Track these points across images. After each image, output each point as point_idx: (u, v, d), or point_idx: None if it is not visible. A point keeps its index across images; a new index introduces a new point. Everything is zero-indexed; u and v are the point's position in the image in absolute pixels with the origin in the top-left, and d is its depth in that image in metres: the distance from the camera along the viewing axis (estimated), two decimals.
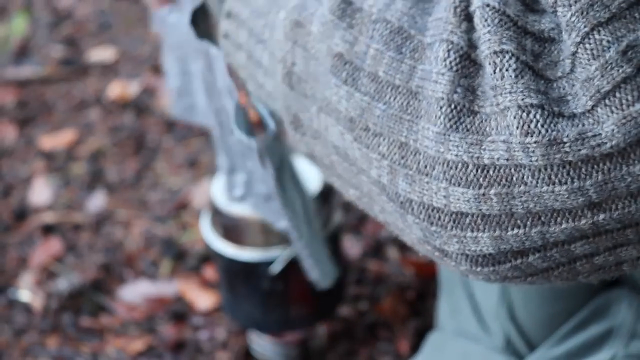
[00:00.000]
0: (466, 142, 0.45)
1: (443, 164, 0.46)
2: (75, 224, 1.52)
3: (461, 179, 0.45)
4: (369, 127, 0.49)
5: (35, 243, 1.47)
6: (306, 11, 0.53)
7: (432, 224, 0.48)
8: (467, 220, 0.46)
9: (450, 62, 0.46)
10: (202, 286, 1.34)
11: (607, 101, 0.41)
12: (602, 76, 0.41)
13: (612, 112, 0.41)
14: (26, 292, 1.37)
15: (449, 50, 0.46)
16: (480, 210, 0.45)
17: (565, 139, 0.42)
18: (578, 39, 0.42)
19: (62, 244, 1.46)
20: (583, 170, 0.42)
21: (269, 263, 1.05)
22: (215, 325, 1.28)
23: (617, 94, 0.41)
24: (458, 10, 0.46)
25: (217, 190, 1.08)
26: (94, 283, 1.37)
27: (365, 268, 1.35)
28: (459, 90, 0.45)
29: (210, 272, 1.36)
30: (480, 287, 0.91)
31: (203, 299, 1.32)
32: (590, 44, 0.41)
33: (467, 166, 0.45)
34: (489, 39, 0.44)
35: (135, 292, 1.36)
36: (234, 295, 1.12)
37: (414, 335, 1.22)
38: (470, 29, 0.46)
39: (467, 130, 0.45)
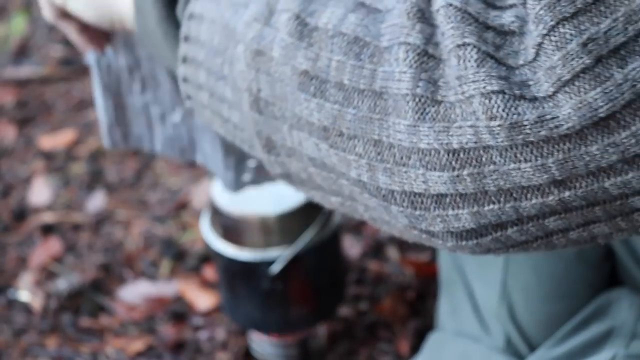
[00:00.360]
0: (434, 130, 0.49)
1: (417, 152, 0.50)
2: (75, 224, 1.52)
3: (436, 164, 0.50)
4: (343, 132, 0.53)
5: (35, 243, 1.47)
6: (264, 40, 0.57)
7: (415, 208, 0.52)
8: (447, 200, 0.50)
9: (410, 61, 0.50)
10: (202, 286, 1.34)
11: (566, 88, 0.45)
12: (564, 66, 0.45)
13: (570, 98, 0.45)
14: (26, 292, 1.37)
15: (407, 51, 0.50)
16: (457, 190, 0.50)
17: (525, 122, 0.46)
18: (544, 32, 0.45)
19: (62, 244, 1.46)
20: (545, 149, 0.46)
21: (269, 263, 1.05)
22: (215, 325, 1.28)
23: (576, 82, 0.44)
24: (411, 14, 0.51)
25: (217, 190, 1.08)
26: (93, 283, 1.37)
27: (365, 268, 1.34)
28: (420, 84, 0.49)
29: (210, 272, 1.36)
30: (481, 288, 0.91)
31: (203, 299, 1.32)
32: (555, 36, 0.45)
33: (439, 152, 0.49)
34: (452, 34, 0.49)
35: (135, 292, 1.35)
36: (233, 295, 1.11)
37: (414, 336, 1.22)
38: (424, 29, 0.50)
39: (434, 119, 0.49)
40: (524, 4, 0.47)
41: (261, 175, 0.91)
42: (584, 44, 0.44)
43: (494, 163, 0.48)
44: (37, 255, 1.44)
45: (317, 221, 1.06)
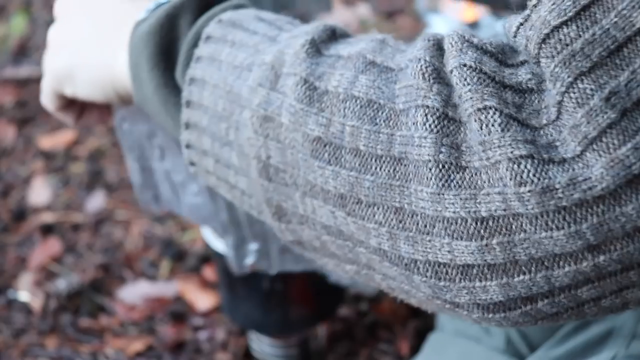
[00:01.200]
0: (461, 198, 0.47)
1: (442, 221, 0.48)
2: (75, 224, 1.51)
3: (462, 233, 0.47)
4: (362, 199, 0.51)
5: (35, 243, 1.47)
6: (272, 105, 0.55)
7: (440, 279, 0.49)
8: (474, 271, 0.48)
9: (430, 125, 0.48)
10: (201, 286, 1.34)
11: (594, 146, 0.43)
12: (589, 123, 0.43)
13: (600, 155, 0.43)
14: (25, 293, 1.36)
15: (426, 115, 0.48)
16: (485, 260, 0.47)
17: (557, 185, 0.44)
18: (563, 89, 0.44)
19: (61, 244, 1.46)
20: (578, 214, 0.44)
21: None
22: (215, 325, 1.28)
23: (604, 139, 0.43)
24: (426, 75, 0.49)
25: None
26: (93, 283, 1.36)
27: None
28: (443, 149, 0.47)
29: (210, 272, 1.36)
30: None
31: (203, 300, 1.31)
32: (575, 92, 0.44)
33: (467, 220, 0.47)
34: (470, 97, 0.47)
35: (135, 292, 1.35)
36: (233, 295, 1.11)
37: (414, 336, 1.22)
38: (442, 90, 0.48)
39: (460, 186, 0.47)
40: (537, 61, 0.46)
41: (263, 261, 0.91)
42: (607, 99, 0.43)
43: (525, 231, 0.46)
44: (37, 255, 1.44)
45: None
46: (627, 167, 0.43)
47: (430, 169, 0.48)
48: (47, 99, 0.71)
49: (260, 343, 1.17)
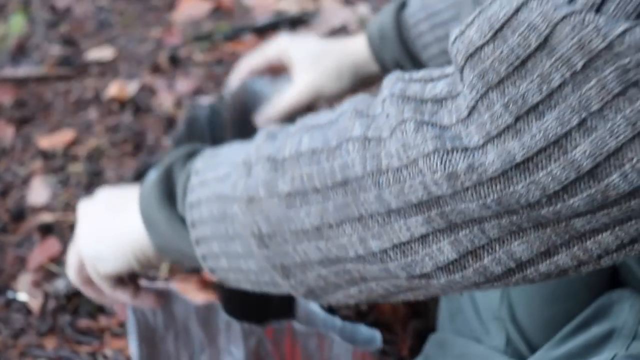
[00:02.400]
0: (394, 195, 0.59)
1: (392, 212, 0.60)
2: (74, 224, 1.51)
3: (409, 213, 0.59)
4: (331, 223, 0.64)
5: (34, 243, 1.47)
6: (250, 189, 0.68)
7: (407, 256, 0.61)
8: (430, 238, 0.60)
9: (357, 149, 0.61)
10: (201, 287, 1.34)
11: (493, 141, 0.54)
12: (491, 123, 0.54)
13: (495, 147, 0.54)
14: (24, 293, 1.36)
15: (353, 143, 0.62)
16: (433, 227, 0.59)
17: (459, 170, 0.56)
18: (478, 96, 0.55)
19: (61, 244, 1.46)
20: (480, 192, 0.56)
21: None
22: None
23: (501, 137, 0.54)
24: (350, 116, 0.63)
25: None
26: None
27: None
28: (368, 163, 0.60)
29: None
30: None
31: (202, 300, 1.31)
32: (485, 99, 0.55)
33: (408, 206, 0.59)
34: (395, 115, 0.59)
35: None
36: (233, 295, 1.11)
37: (415, 336, 1.22)
38: (363, 122, 0.62)
39: (389, 184, 0.59)
40: (460, 70, 0.56)
41: None
42: (506, 105, 0.54)
43: (448, 204, 0.57)
44: (36, 255, 1.44)
45: None
46: (512, 156, 0.53)
47: (366, 180, 0.60)
48: (74, 276, 0.88)
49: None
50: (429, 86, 0.59)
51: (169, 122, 1.77)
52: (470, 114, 0.55)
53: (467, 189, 0.56)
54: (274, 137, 0.70)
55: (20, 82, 1.95)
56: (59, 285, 1.33)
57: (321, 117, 0.68)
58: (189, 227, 0.75)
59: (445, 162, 0.56)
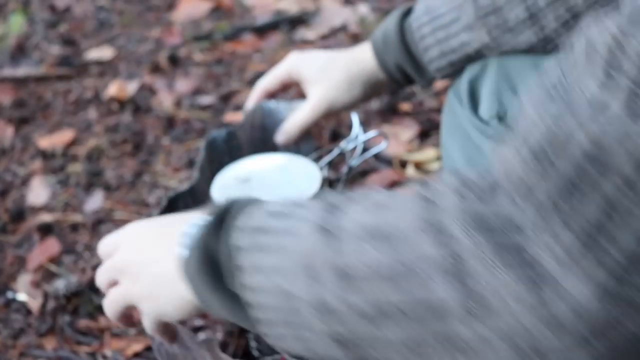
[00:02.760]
0: (491, 327, 0.56)
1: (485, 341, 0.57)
2: (73, 224, 1.51)
3: (501, 346, 0.56)
4: (419, 343, 0.60)
5: (33, 243, 1.46)
6: (323, 296, 0.63)
7: None
8: None
9: (444, 279, 0.56)
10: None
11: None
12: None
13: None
14: (23, 293, 1.36)
15: (436, 270, 0.57)
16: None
17: (562, 318, 0.53)
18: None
19: (60, 244, 1.45)
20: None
21: None
22: (215, 326, 1.27)
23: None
24: (418, 222, 0.58)
25: (216, 189, 1.07)
26: (92, 284, 1.35)
27: None
28: (457, 296, 0.56)
29: None
30: None
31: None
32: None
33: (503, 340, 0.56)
34: (471, 247, 0.55)
35: None
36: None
37: None
38: (437, 241, 0.57)
39: (481, 318, 0.56)
40: (514, 201, 0.55)
41: None
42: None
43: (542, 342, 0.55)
44: (35, 255, 1.43)
45: None
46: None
47: (457, 310, 0.56)
48: (149, 326, 0.80)
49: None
50: (492, 205, 0.56)
51: (169, 122, 1.77)
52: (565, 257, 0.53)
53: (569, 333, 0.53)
54: (330, 227, 0.63)
55: (19, 82, 1.95)
56: (59, 285, 1.33)
57: (377, 210, 0.62)
58: (246, 306, 0.69)
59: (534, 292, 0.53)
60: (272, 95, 1.18)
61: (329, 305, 0.63)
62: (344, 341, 0.64)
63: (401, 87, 1.11)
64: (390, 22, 1.08)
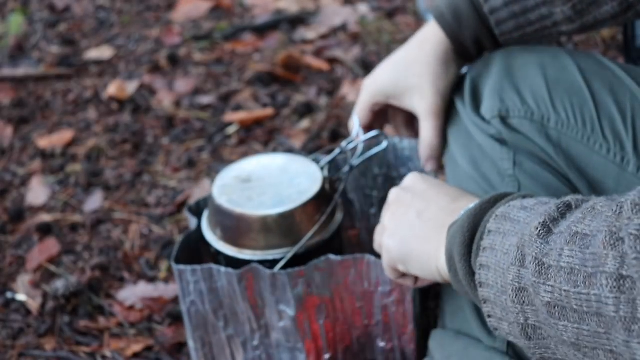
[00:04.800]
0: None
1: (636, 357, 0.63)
2: (73, 224, 1.51)
3: None
4: (587, 345, 0.67)
5: (32, 244, 1.46)
6: (523, 279, 0.72)
7: None
8: None
9: (610, 287, 0.63)
10: None
11: None
12: None
13: None
14: (23, 294, 1.36)
15: (607, 278, 0.63)
16: None
17: None
18: None
19: (60, 244, 1.45)
20: None
21: (269, 263, 1.04)
22: None
23: None
24: (606, 244, 0.64)
25: (217, 189, 1.07)
26: (91, 284, 1.35)
27: None
28: (622, 307, 0.62)
29: None
30: None
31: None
32: None
33: None
34: (635, 264, 0.61)
35: (133, 293, 1.34)
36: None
37: (416, 336, 1.21)
38: (616, 256, 0.63)
39: (639, 335, 0.61)
40: None
41: None
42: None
43: None
44: (35, 256, 1.43)
45: (318, 221, 1.05)
46: None
47: (618, 322, 0.63)
48: (387, 272, 0.93)
49: None
50: None
51: (168, 122, 1.77)
52: None
53: None
54: (551, 230, 0.71)
55: (19, 82, 1.95)
56: (58, 285, 1.33)
57: (589, 217, 0.68)
58: (477, 285, 0.78)
59: None
60: (369, 128, 1.14)
61: (523, 287, 0.71)
62: (527, 327, 0.72)
63: (470, 62, 1.09)
64: (456, 0, 1.06)
